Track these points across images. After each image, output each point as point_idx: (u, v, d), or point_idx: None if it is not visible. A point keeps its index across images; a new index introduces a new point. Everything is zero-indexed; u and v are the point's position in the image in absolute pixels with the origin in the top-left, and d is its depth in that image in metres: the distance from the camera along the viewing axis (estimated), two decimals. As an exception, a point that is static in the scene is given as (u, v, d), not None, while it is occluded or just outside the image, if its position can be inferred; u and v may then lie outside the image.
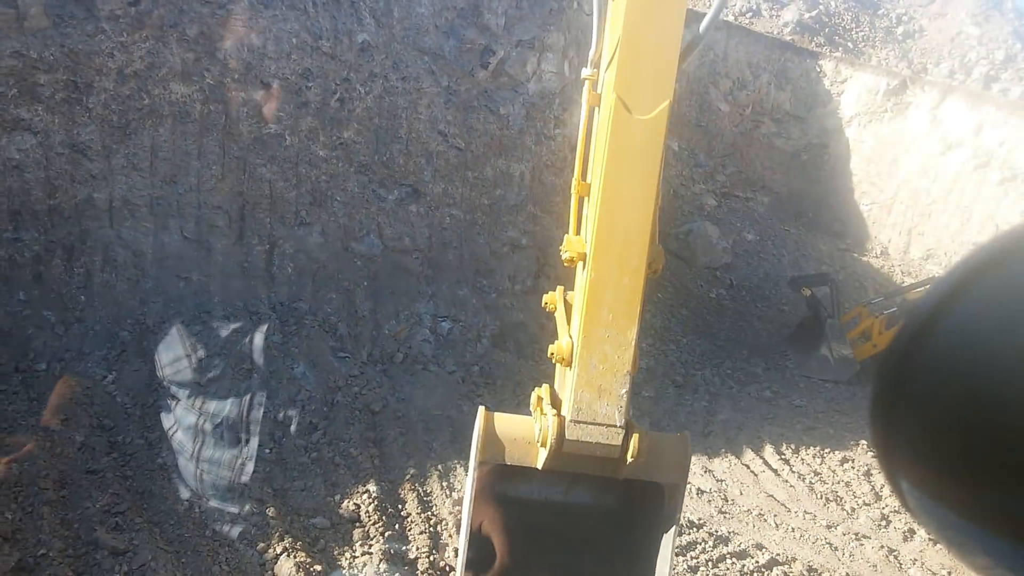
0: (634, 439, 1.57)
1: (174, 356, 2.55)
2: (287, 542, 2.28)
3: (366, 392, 3.14)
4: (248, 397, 2.14)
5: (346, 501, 2.64)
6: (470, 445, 1.79)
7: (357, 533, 2.37)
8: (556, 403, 1.59)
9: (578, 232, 1.58)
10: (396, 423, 2.98)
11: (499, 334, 3.67)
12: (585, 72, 1.81)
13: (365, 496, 2.63)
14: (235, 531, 2.27)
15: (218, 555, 2.24)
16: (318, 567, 2.38)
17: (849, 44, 12.39)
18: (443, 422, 3.04)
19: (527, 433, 1.64)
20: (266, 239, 4.98)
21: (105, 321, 2.82)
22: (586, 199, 1.53)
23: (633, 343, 1.53)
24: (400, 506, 2.63)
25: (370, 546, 2.39)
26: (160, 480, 2.48)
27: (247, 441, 2.19)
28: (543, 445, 1.58)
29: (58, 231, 3.06)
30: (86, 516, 2.39)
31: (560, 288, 1.73)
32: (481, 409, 1.80)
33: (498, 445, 1.63)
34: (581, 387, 1.49)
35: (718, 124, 11.58)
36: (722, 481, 6.14)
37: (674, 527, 1.76)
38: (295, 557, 2.23)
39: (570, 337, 1.56)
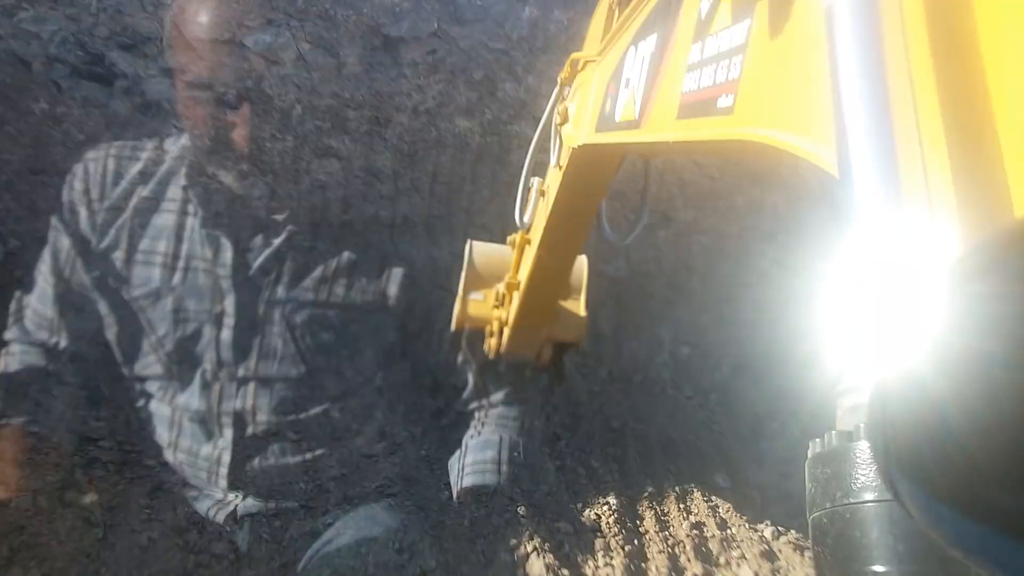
0: (545, 352, 2.31)
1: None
2: (536, 542, 2.43)
3: (606, 409, 3.24)
4: (218, 389, 2.19)
5: (587, 510, 2.74)
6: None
7: (599, 543, 2.47)
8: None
9: (516, 273, 2.09)
10: (635, 442, 3.05)
11: (739, 364, 3.63)
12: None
13: (605, 508, 2.71)
14: (221, 515, 2.38)
15: (474, 544, 2.44)
16: (565, 571, 2.51)
17: None
18: (681, 445, 3.06)
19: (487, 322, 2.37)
20: (523, 258, 5.31)
21: (373, 321, 3.18)
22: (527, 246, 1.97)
23: (546, 331, 2.22)
24: (639, 522, 2.70)
25: (611, 558, 2.49)
26: (423, 469, 2.74)
27: (221, 432, 2.23)
28: (486, 352, 2.31)
29: (347, 243, 3.49)
30: (364, 494, 2.69)
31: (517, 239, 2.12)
32: (467, 252, 2.49)
33: (470, 323, 2.40)
34: (510, 342, 2.19)
35: None
36: None
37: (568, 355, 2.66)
38: (544, 559, 2.38)
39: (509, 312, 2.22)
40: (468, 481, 2.33)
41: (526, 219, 1.70)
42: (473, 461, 2.36)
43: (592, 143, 1.06)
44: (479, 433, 2.48)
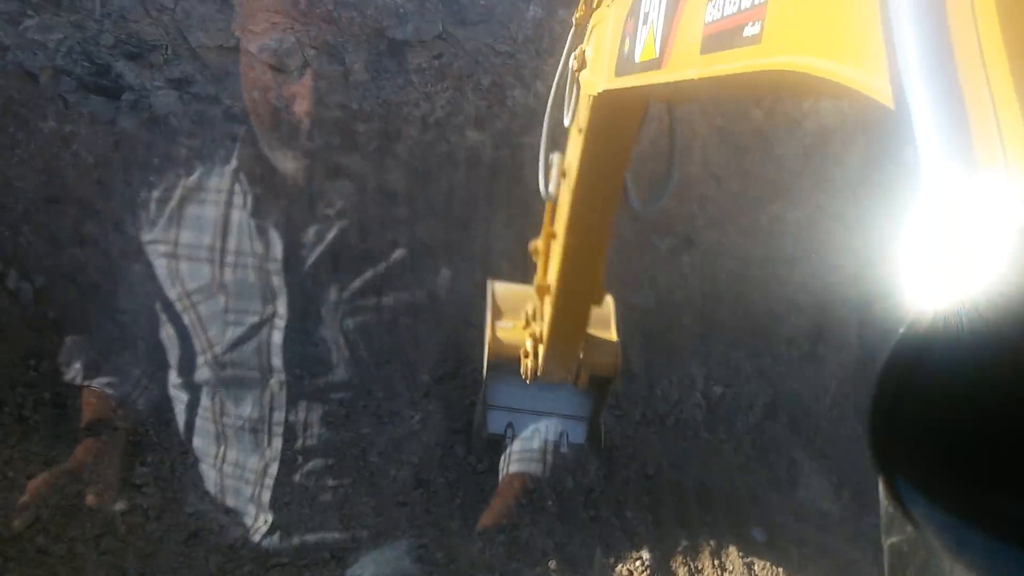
0: (582, 375, 2.23)
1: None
2: (568, 601, 2.40)
3: (640, 454, 3.19)
4: (269, 396, 2.12)
5: (619, 565, 2.71)
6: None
7: (631, 601, 2.45)
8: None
9: (544, 275, 2.01)
10: (670, 490, 3.01)
11: (772, 404, 3.58)
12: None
13: (638, 563, 2.67)
14: (255, 536, 2.33)
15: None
16: (595, 630, 2.48)
17: None
18: (716, 494, 3.01)
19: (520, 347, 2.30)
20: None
21: (405, 360, 3.08)
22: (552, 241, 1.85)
23: (580, 344, 2.16)
24: (671, 578, 2.68)
25: (644, 618, 2.46)
26: (457, 519, 2.69)
27: (270, 443, 2.16)
28: (523, 376, 2.24)
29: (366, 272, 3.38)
30: (396, 546, 2.64)
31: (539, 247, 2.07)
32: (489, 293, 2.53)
33: (504, 349, 2.35)
34: (546, 358, 2.12)
35: None
36: None
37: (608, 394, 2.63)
38: (574, 617, 2.34)
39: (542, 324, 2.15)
40: (515, 467, 2.32)
41: (551, 190, 1.59)
42: (521, 449, 2.35)
43: (612, 88, 0.96)
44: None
